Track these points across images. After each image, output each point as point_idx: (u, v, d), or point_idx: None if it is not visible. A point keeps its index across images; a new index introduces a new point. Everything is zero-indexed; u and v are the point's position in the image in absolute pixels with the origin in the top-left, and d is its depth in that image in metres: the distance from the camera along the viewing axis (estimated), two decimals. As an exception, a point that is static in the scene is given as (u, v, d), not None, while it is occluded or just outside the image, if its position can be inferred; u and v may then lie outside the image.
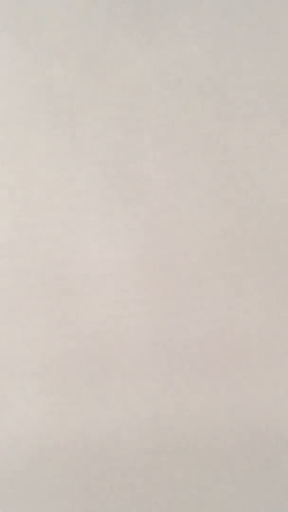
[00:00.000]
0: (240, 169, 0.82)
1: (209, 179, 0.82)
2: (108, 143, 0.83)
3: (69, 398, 0.80)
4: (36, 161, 0.82)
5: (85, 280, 0.81)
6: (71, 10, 0.83)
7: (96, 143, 0.82)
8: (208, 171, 0.82)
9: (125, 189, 0.82)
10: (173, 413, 0.80)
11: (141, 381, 0.80)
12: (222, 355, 0.80)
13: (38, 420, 0.79)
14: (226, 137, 0.83)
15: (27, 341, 0.80)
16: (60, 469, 0.79)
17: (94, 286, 0.81)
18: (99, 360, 0.80)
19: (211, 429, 0.79)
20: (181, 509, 0.78)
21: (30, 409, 0.80)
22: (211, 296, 0.81)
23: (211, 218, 0.82)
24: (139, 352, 0.80)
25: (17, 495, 0.79)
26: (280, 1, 0.83)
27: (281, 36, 0.83)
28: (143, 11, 0.82)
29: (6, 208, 0.82)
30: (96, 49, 0.83)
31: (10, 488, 0.79)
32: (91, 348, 0.80)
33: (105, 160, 0.82)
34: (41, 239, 0.82)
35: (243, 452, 0.79)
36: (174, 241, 0.82)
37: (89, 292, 0.81)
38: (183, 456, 0.79)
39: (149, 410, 0.80)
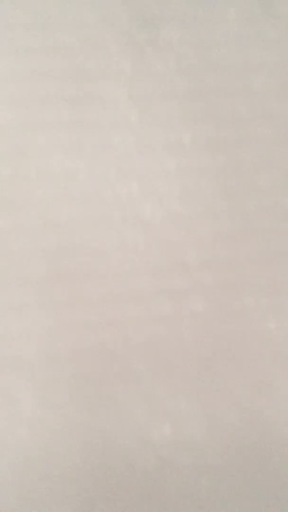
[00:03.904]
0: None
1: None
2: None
3: (67, 401, 0.75)
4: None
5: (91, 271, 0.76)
6: None
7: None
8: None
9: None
10: (177, 417, 0.77)
11: (146, 384, 0.76)
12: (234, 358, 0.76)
13: (29, 428, 0.75)
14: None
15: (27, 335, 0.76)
16: (55, 481, 0.75)
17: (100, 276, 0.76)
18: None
19: (214, 441, 0.76)
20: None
21: (21, 415, 0.75)
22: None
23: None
24: (146, 351, 0.76)
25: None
26: None
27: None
28: None
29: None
30: None
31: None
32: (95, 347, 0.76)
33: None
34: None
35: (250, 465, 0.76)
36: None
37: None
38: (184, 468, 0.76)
39: (154, 410, 0.76)
